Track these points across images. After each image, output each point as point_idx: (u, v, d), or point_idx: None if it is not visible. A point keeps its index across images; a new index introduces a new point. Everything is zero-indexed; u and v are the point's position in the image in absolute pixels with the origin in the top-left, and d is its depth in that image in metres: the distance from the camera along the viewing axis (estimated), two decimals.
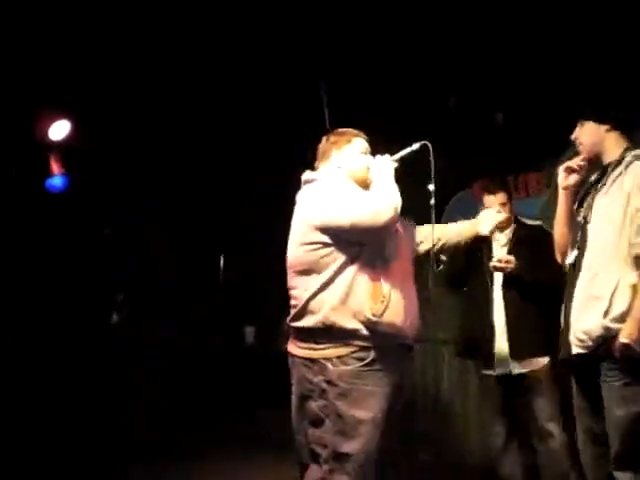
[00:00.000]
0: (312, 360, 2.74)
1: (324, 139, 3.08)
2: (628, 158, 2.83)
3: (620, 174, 2.82)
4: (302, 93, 5.17)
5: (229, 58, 4.88)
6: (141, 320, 6.04)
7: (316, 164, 3.06)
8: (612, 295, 2.71)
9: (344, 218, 2.72)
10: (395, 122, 5.04)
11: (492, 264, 3.93)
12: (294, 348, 2.83)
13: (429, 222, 3.07)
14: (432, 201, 2.93)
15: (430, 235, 3.13)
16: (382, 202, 2.73)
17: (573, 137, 3.02)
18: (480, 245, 4.07)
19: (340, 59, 4.92)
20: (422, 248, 3.21)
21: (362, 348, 2.70)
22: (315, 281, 2.74)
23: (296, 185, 3.04)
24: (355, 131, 3.08)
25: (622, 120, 2.94)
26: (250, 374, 6.09)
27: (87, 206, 5.50)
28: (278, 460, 4.80)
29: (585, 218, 2.94)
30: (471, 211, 5.23)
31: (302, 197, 2.93)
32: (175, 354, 5.99)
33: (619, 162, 2.85)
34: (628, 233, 2.73)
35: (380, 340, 2.71)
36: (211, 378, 6.24)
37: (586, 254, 2.88)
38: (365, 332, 2.69)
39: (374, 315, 2.68)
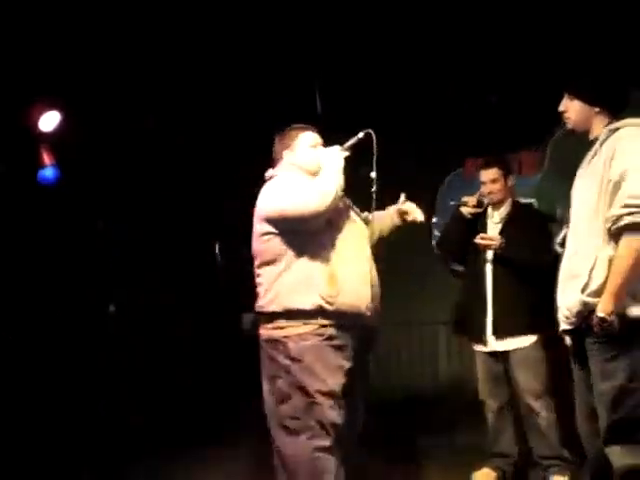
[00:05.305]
0: (275, 340, 2.97)
1: (276, 140, 3.28)
2: (602, 136, 2.80)
3: (596, 152, 2.81)
4: (290, 84, 5.16)
5: (218, 53, 4.89)
6: (137, 309, 6.03)
7: (274, 165, 3.26)
8: (590, 271, 2.70)
9: (277, 208, 2.98)
10: (390, 106, 5.05)
11: (476, 240, 4.00)
12: (261, 330, 3.06)
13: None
14: (373, 188, 3.10)
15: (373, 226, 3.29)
16: (315, 194, 2.93)
17: (561, 109, 2.96)
18: (475, 224, 4.15)
19: (331, 48, 4.91)
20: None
21: (320, 326, 2.93)
22: (274, 268, 3.00)
23: None
24: (301, 126, 3.26)
25: (614, 103, 2.87)
26: (248, 361, 6.09)
27: (80, 198, 5.47)
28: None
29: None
30: (463, 190, 5.31)
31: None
32: (173, 342, 5.99)
33: (597, 140, 2.83)
34: (603, 208, 2.71)
35: (336, 319, 2.94)
36: (209, 365, 6.25)
37: (569, 232, 2.91)
38: (321, 313, 2.92)
39: (329, 297, 2.91)
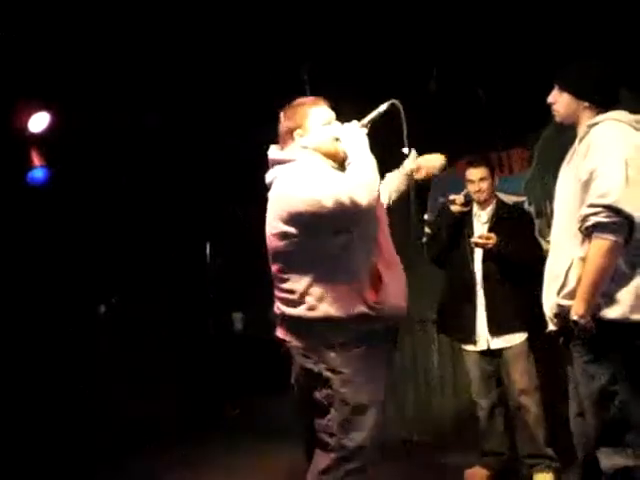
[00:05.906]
0: (313, 349, 2.65)
1: (281, 116, 2.81)
2: (581, 132, 2.76)
3: (575, 149, 2.78)
4: (285, 77, 5.14)
5: (212, 49, 4.85)
6: (129, 309, 6.03)
7: (281, 146, 2.82)
8: (567, 271, 2.67)
9: (320, 208, 2.51)
10: (376, 103, 5.02)
11: (473, 240, 4.02)
12: (291, 338, 2.71)
13: None
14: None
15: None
16: (358, 186, 2.53)
17: (550, 100, 2.90)
18: (461, 223, 4.17)
19: (320, 39, 4.89)
20: None
21: (362, 333, 2.62)
22: (309, 273, 2.61)
23: None
24: (311, 99, 2.83)
25: (603, 99, 2.80)
26: (239, 360, 6.11)
27: (70, 198, 5.46)
28: (275, 448, 4.83)
29: None
30: (456, 189, 5.30)
31: (275, 182, 2.75)
32: (163, 341, 5.99)
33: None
34: (578, 207, 2.64)
35: (379, 324, 2.63)
36: (200, 364, 6.25)
37: (552, 232, 2.88)
38: (364, 318, 2.59)
39: (374, 303, 2.59)
